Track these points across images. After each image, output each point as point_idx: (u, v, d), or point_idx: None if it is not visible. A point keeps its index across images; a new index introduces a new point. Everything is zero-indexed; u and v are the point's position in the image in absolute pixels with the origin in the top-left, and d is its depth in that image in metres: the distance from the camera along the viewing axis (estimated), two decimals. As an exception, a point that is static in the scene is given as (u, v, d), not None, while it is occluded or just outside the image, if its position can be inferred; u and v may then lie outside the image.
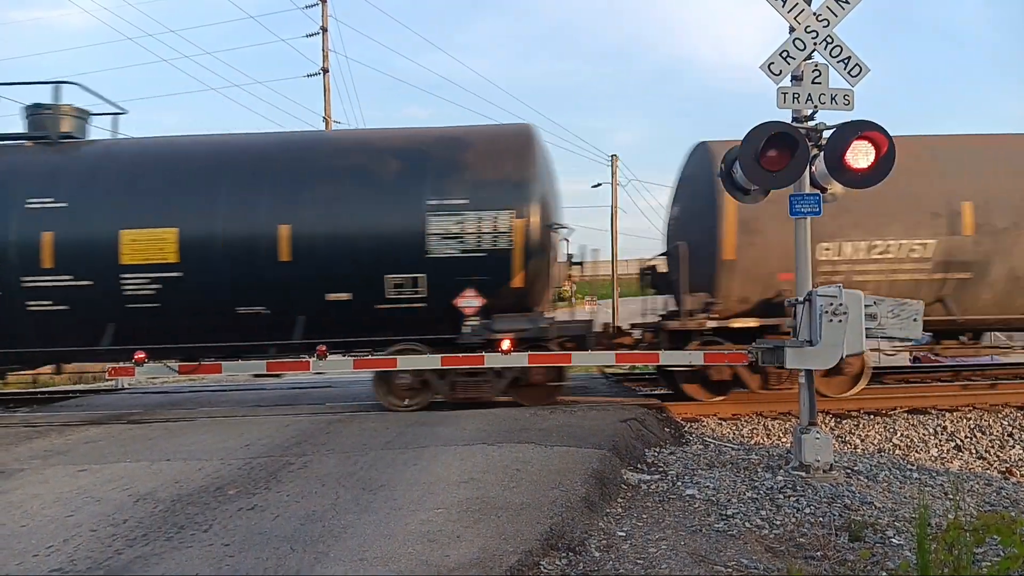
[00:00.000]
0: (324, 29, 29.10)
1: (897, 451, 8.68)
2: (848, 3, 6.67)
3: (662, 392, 11.82)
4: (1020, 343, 11.94)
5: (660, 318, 11.29)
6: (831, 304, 6.42)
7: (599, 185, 32.58)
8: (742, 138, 6.50)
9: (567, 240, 11.21)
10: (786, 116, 6.78)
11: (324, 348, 9.65)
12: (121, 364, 9.75)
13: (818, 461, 6.56)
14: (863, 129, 6.30)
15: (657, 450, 7.90)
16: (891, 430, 9.34)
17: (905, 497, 6.13)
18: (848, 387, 10.55)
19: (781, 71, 6.63)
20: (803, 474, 6.51)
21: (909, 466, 7.49)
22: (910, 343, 8.34)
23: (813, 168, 6.72)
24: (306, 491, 5.80)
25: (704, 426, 9.58)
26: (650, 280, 12.23)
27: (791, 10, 6.69)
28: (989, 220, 10.23)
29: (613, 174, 31.47)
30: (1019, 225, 10.28)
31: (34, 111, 10.54)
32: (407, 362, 9.77)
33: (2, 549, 4.67)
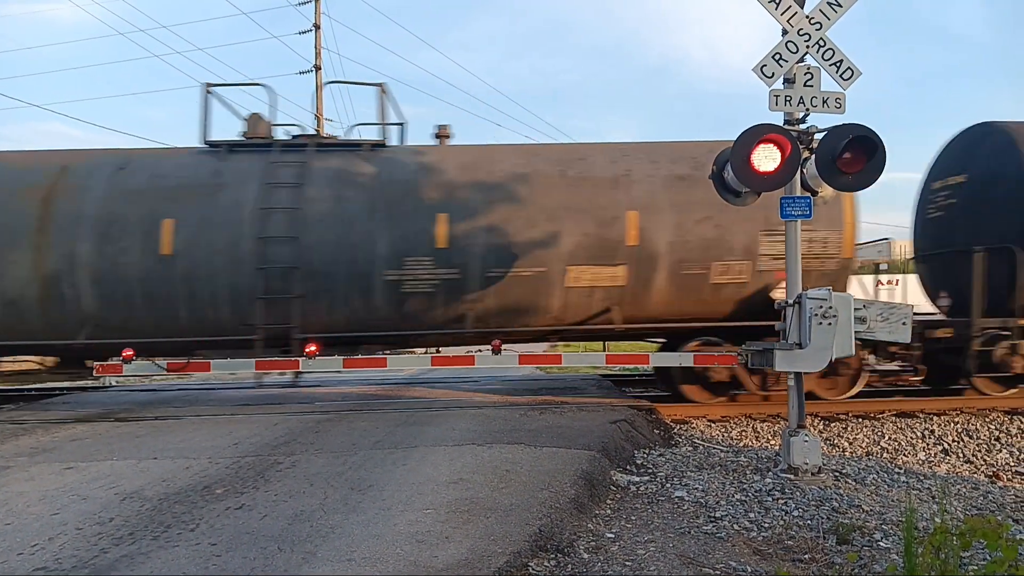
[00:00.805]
0: (317, 26, 29.06)
1: (885, 454, 8.71)
2: (840, 6, 6.69)
3: (654, 393, 11.84)
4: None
5: None
6: (821, 307, 6.44)
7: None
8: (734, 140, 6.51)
9: None
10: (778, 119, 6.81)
11: (314, 348, 9.61)
12: (109, 361, 9.70)
13: (806, 464, 6.58)
14: (855, 132, 6.32)
15: (646, 452, 7.90)
16: (879, 433, 9.38)
17: (893, 500, 6.15)
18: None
19: (773, 74, 6.65)
20: (791, 477, 6.53)
21: (897, 469, 7.52)
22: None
23: (804, 171, 6.74)
24: (294, 491, 5.78)
25: (693, 428, 9.60)
26: None
27: (784, 12, 6.71)
28: None
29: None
30: (12, 247, 9.68)
31: None
32: (397, 362, 9.76)
33: (-14, 547, 4.63)
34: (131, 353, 9.51)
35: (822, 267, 10.17)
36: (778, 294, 9.85)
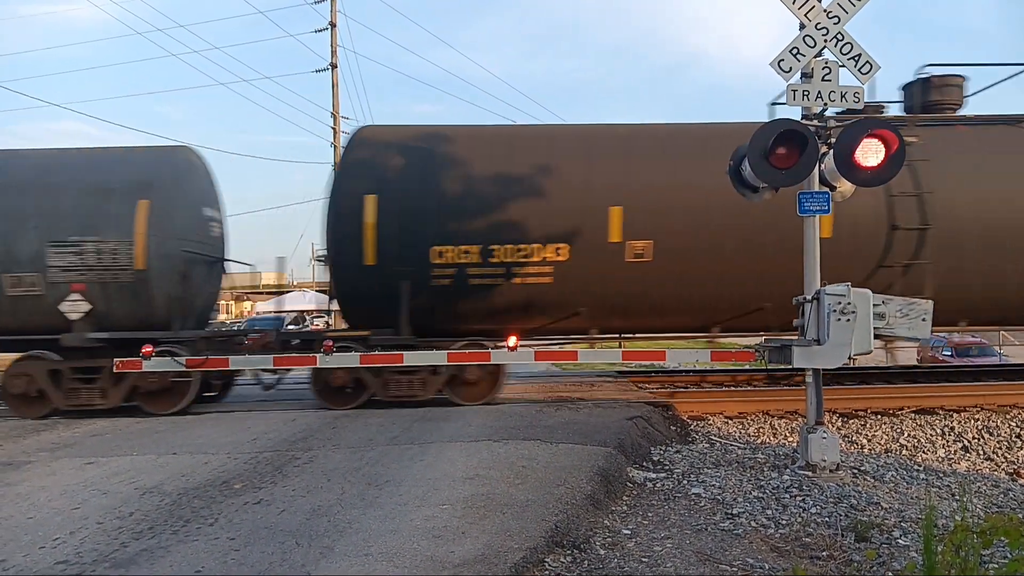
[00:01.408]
0: (332, 25, 29.12)
1: (904, 451, 8.64)
2: (859, 0, 6.63)
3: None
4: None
5: None
6: (839, 303, 6.39)
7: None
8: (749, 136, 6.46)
9: None
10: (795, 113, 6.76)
11: (331, 343, 9.67)
12: (128, 358, 9.78)
13: (824, 461, 6.54)
14: (873, 127, 6.27)
15: (663, 448, 7.88)
16: (898, 430, 9.29)
17: (912, 498, 6.10)
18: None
19: (791, 68, 6.60)
20: (809, 474, 6.49)
21: (916, 467, 7.46)
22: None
23: (822, 166, 6.69)
24: (312, 486, 5.81)
25: (710, 424, 9.56)
26: None
27: (802, 7, 6.65)
28: None
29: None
30: None
31: None
32: (413, 358, 9.78)
33: (9, 541, 4.69)
34: (150, 349, 9.60)
35: (116, 279, 9.88)
36: (65, 306, 9.68)
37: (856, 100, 6.64)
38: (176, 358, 9.76)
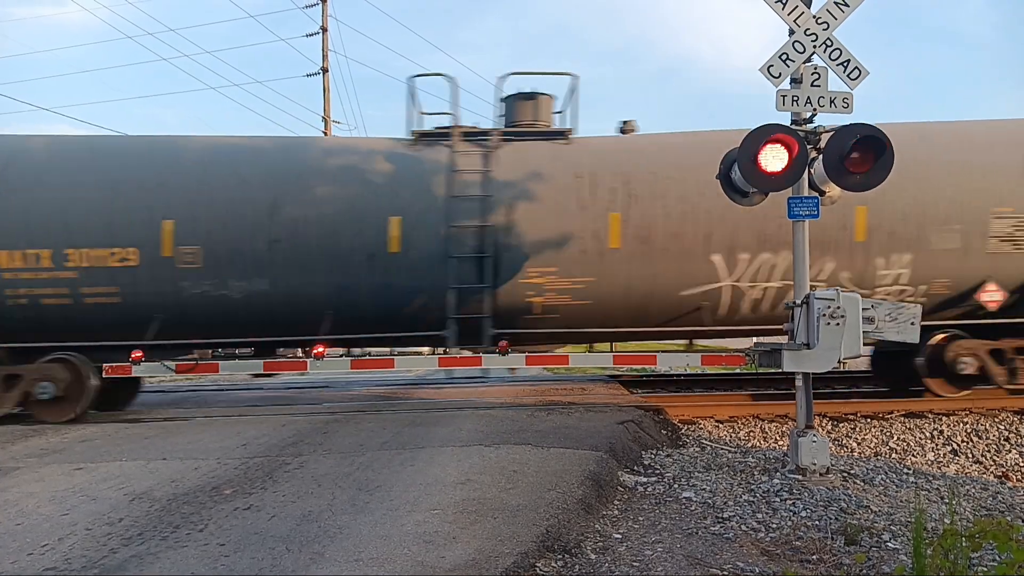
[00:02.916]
0: (324, 29, 29.16)
1: (894, 455, 8.68)
2: (848, 6, 6.67)
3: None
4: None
5: None
6: (829, 307, 6.42)
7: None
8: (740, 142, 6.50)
9: None
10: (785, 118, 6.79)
11: (323, 349, 9.66)
12: (118, 363, 9.73)
13: (815, 464, 6.56)
14: (861, 132, 6.31)
15: (654, 452, 7.89)
16: (888, 433, 9.33)
17: (901, 501, 6.13)
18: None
19: (780, 74, 6.63)
20: (799, 477, 6.51)
21: (905, 470, 7.49)
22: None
23: (812, 171, 6.73)
24: (302, 491, 5.80)
25: (701, 428, 9.58)
26: None
27: (790, 12, 6.69)
28: None
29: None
30: None
31: None
32: (405, 362, 9.79)
33: (-3, 548, 4.66)
34: (140, 354, 9.56)
35: None
36: None
37: (845, 105, 6.68)
38: (165, 363, 9.73)
